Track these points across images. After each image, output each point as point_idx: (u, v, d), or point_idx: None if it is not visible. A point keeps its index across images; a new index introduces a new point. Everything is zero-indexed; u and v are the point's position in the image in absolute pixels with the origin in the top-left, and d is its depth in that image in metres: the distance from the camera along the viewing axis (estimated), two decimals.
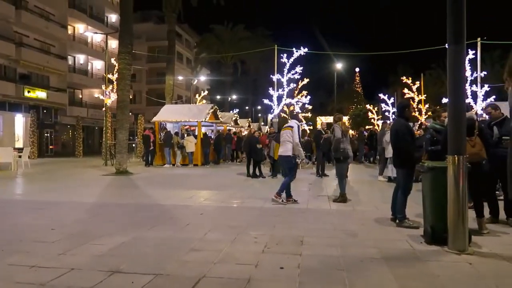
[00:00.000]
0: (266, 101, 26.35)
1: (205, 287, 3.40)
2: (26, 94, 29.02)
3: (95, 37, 35.19)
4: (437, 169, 4.78)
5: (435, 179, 4.77)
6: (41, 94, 30.58)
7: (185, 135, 18.38)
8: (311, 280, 3.55)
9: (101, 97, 22.61)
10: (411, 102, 29.84)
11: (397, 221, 5.73)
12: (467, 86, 22.62)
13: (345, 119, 45.02)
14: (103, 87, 22.18)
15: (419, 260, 4.18)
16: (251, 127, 27.42)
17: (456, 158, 4.40)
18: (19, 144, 24.99)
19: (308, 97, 28.63)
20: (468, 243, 4.45)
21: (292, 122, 7.84)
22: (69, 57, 34.69)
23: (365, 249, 4.54)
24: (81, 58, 36.84)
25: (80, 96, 37.51)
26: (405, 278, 3.60)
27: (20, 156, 16.67)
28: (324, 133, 13.52)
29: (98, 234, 5.21)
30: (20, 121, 25.82)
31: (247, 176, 12.84)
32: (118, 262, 4.01)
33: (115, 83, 20.21)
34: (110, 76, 21.82)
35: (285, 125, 8.10)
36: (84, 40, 36.51)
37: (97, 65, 38.21)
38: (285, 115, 33.38)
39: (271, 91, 25.35)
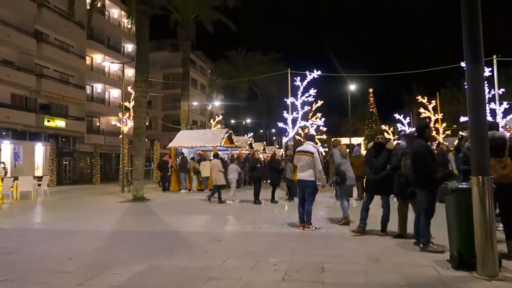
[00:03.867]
0: (280, 124, 26.40)
1: None
2: (45, 123, 29.74)
3: (112, 66, 36.21)
4: (461, 191, 4.63)
5: (459, 201, 4.62)
6: (60, 123, 31.30)
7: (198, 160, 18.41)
8: None
9: (118, 124, 23.03)
10: (429, 121, 29.45)
11: (421, 245, 5.53)
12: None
13: (361, 140, 44.70)
14: (120, 114, 22.59)
15: (447, 287, 3.99)
16: (263, 151, 27.30)
17: (481, 179, 4.26)
18: (38, 172, 25.50)
19: (323, 119, 28.57)
20: (499, 268, 4.25)
21: (309, 146, 7.63)
22: (87, 86, 35.61)
23: (389, 275, 4.38)
24: (98, 87, 37.80)
25: (98, 124, 38.26)
26: None
27: (39, 185, 16.92)
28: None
29: (116, 263, 5.17)
30: (40, 150, 26.45)
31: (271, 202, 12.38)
32: None
33: (131, 110, 20.57)
34: (126, 104, 22.25)
35: (301, 149, 7.83)
36: (102, 70, 37.55)
37: (114, 93, 39.11)
38: (299, 138, 33.34)
39: (285, 114, 25.42)
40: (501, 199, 4.82)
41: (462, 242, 4.54)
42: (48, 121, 30.09)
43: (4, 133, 26.24)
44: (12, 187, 15.33)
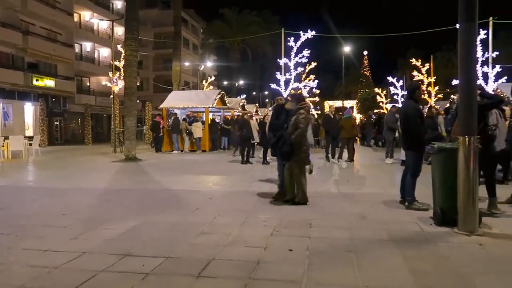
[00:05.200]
0: (273, 85, 26.16)
1: (215, 269, 3.43)
2: (34, 82, 29.16)
3: (101, 24, 35.06)
4: (447, 151, 4.72)
5: (445, 160, 4.73)
6: (49, 82, 30.71)
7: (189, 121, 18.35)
8: (320, 262, 3.57)
9: (109, 84, 22.65)
10: (421, 84, 29.38)
11: (406, 203, 5.71)
12: (478, 67, 22.17)
13: (354, 103, 44.62)
14: (110, 74, 22.19)
15: (429, 241, 4.17)
16: (255, 112, 27.18)
17: (467, 139, 4.34)
18: (29, 132, 25.25)
19: (316, 81, 28.30)
20: (479, 224, 4.42)
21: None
22: (76, 45, 34.67)
23: (374, 231, 4.54)
24: (87, 45, 36.82)
25: (88, 84, 37.62)
26: (414, 260, 3.60)
27: (30, 144, 16.85)
28: (332, 117, 13.40)
29: (109, 219, 5.28)
30: (29, 109, 26.03)
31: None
32: (129, 245, 4.06)
33: (122, 70, 20.19)
34: (117, 63, 21.79)
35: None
36: (90, 28, 36.43)
37: (104, 52, 38.19)
38: None
39: (278, 76, 25.16)
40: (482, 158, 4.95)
41: (445, 200, 4.69)
42: (37, 80, 29.50)
43: None
44: (3, 146, 15.28)
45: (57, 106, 32.61)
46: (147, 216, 5.43)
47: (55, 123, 31.87)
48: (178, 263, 3.59)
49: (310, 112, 8.29)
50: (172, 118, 18.63)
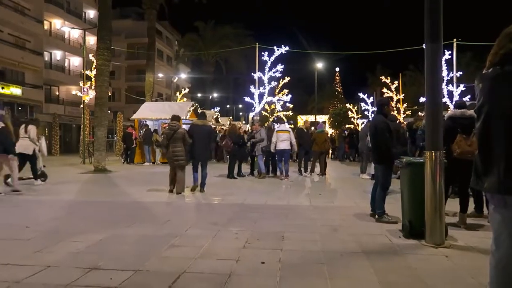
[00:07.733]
0: (247, 99, 26.31)
1: (186, 282, 3.37)
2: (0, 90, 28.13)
3: (73, 32, 34.42)
4: (415, 165, 4.86)
5: (413, 174, 4.86)
6: (15, 90, 29.66)
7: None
8: (291, 274, 3.56)
9: (79, 94, 22.12)
10: (390, 100, 30.25)
11: (376, 216, 5.81)
12: (444, 85, 23.17)
13: (326, 118, 45.45)
14: (81, 83, 21.70)
15: (398, 253, 4.25)
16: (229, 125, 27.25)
17: (434, 154, 4.49)
18: None
19: (289, 95, 28.70)
20: (445, 237, 4.55)
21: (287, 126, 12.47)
22: (45, 53, 33.76)
23: (345, 244, 4.59)
24: (58, 54, 35.93)
25: (57, 93, 36.59)
26: (384, 271, 3.65)
27: None
28: (305, 131, 13.56)
29: (75, 231, 5.10)
30: None
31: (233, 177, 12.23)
32: (96, 259, 3.93)
33: (93, 79, 19.80)
34: (88, 72, 21.35)
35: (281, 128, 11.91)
36: (61, 36, 35.64)
37: (75, 61, 37.36)
38: (266, 113, 33.46)
39: (252, 89, 25.34)
40: (461, 174, 5.12)
41: (413, 213, 4.81)
42: (2, 88, 28.44)
43: None
44: None
45: (23, 115, 31.46)
46: (115, 229, 5.28)
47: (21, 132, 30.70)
48: (147, 277, 3.50)
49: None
50: (144, 129, 18.35)
